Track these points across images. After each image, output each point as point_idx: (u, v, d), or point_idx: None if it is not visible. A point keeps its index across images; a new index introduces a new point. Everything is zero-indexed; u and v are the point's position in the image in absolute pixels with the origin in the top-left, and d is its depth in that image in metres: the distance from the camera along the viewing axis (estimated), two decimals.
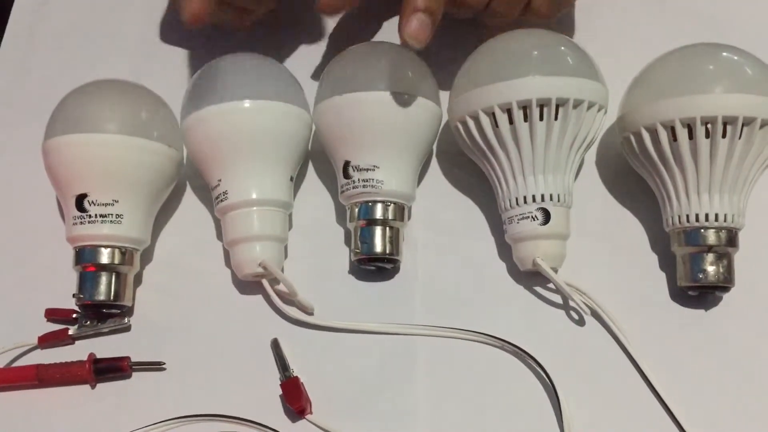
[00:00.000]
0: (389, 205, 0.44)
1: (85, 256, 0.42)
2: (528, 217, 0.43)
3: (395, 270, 0.46)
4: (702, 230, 0.42)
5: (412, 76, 0.45)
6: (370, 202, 0.44)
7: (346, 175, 0.44)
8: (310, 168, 0.49)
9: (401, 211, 0.45)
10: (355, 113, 0.43)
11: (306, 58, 0.50)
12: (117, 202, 0.42)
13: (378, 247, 0.44)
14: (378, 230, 0.44)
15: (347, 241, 0.47)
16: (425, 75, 0.46)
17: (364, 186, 0.44)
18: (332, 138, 0.45)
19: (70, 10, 0.56)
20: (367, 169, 0.44)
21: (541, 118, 0.41)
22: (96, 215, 0.42)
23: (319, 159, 0.48)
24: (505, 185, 0.44)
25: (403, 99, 0.43)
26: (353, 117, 0.44)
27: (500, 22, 0.47)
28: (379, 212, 0.44)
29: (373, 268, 0.45)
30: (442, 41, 0.52)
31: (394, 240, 0.44)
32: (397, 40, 0.41)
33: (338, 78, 0.45)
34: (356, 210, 0.44)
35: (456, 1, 0.45)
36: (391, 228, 0.44)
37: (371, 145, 0.44)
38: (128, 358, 0.43)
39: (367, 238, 0.44)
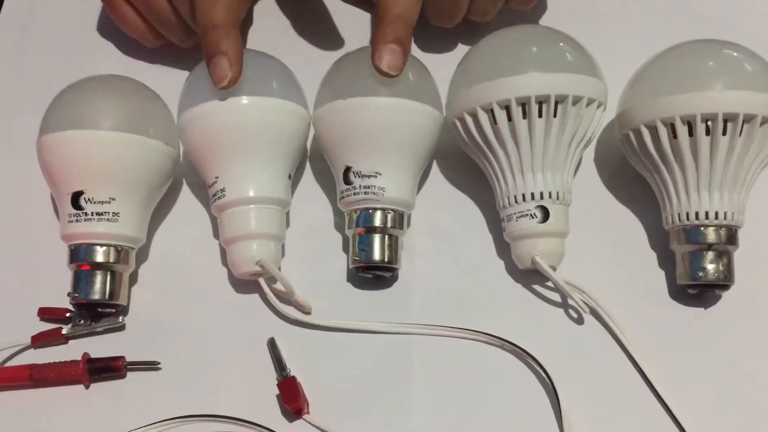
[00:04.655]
0: (389, 213, 0.43)
1: (80, 255, 0.42)
2: (527, 214, 0.42)
3: (393, 278, 0.45)
4: (702, 228, 0.42)
5: (416, 80, 0.44)
6: (370, 209, 0.43)
7: (347, 181, 0.43)
8: (308, 170, 0.49)
9: (401, 219, 0.44)
10: (361, 118, 0.43)
11: (305, 59, 0.50)
12: (114, 200, 0.42)
13: (377, 255, 0.43)
14: (377, 238, 0.43)
15: (345, 248, 0.46)
16: (428, 80, 0.45)
17: (365, 192, 0.43)
18: (333, 142, 0.44)
19: (63, 4, 0.56)
20: (369, 176, 0.43)
21: (540, 115, 0.41)
22: (92, 213, 0.41)
23: (318, 161, 0.48)
24: (503, 183, 0.43)
25: (409, 105, 0.43)
26: (358, 122, 0.43)
27: (484, 18, 0.49)
28: (378, 220, 0.43)
29: (371, 276, 0.44)
30: (439, 38, 0.52)
31: (393, 248, 0.44)
32: None
33: (341, 82, 0.44)
34: (355, 217, 0.44)
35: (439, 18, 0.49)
36: (390, 236, 0.44)
37: (374, 151, 0.43)
38: (123, 357, 0.42)
39: (366, 245, 0.43)
